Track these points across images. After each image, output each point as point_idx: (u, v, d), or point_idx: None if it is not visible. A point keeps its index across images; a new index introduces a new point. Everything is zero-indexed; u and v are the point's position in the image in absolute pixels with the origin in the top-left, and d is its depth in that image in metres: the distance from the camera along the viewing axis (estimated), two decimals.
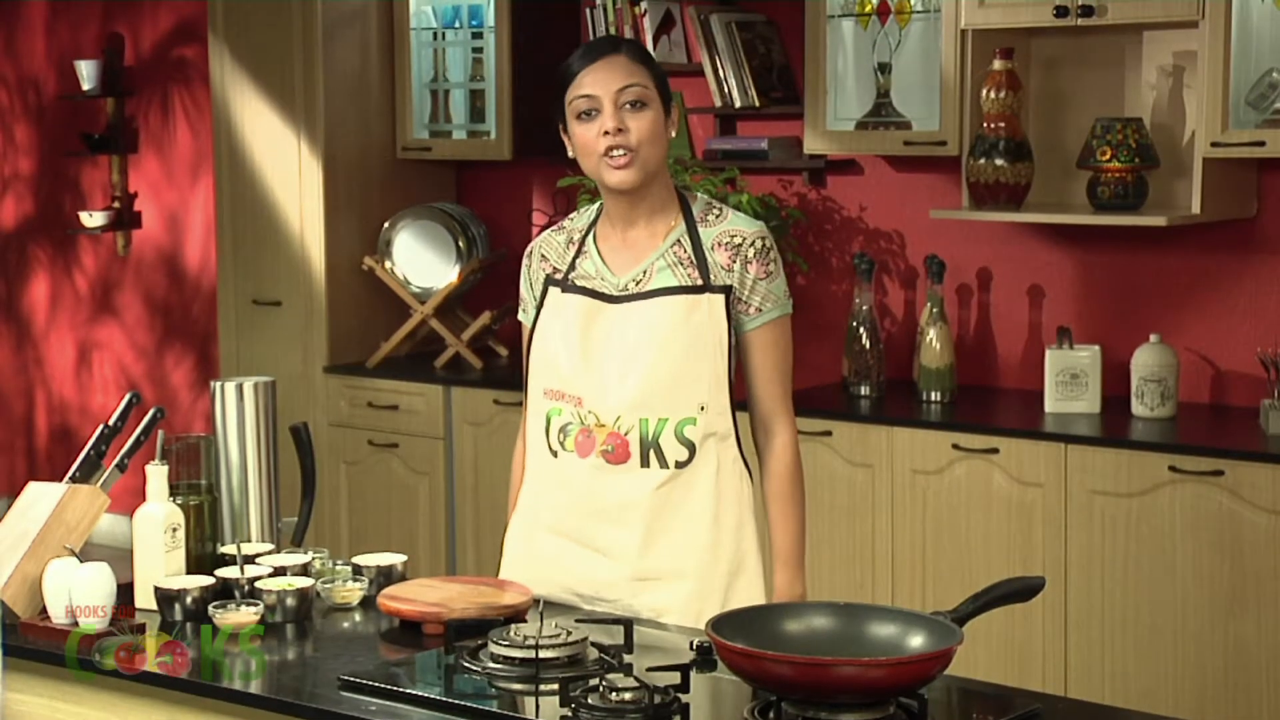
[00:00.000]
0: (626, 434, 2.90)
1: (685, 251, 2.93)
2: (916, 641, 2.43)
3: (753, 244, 2.92)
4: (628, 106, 2.88)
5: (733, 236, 2.93)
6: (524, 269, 3.08)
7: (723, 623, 2.45)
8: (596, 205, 3.04)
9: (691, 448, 2.90)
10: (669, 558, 2.92)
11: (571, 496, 2.96)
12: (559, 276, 3.00)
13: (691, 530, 2.92)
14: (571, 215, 3.09)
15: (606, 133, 2.88)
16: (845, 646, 2.44)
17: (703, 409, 2.90)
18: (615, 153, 2.88)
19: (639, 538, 2.91)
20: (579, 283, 2.97)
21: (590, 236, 3.01)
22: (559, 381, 2.95)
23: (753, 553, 2.98)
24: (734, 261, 2.91)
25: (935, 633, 2.42)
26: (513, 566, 3.07)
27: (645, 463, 2.91)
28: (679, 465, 2.91)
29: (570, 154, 2.99)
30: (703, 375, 2.90)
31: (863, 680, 2.30)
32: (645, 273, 2.93)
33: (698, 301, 2.90)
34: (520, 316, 3.09)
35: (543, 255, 3.05)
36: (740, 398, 2.96)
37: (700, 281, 2.91)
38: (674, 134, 2.95)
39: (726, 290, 2.90)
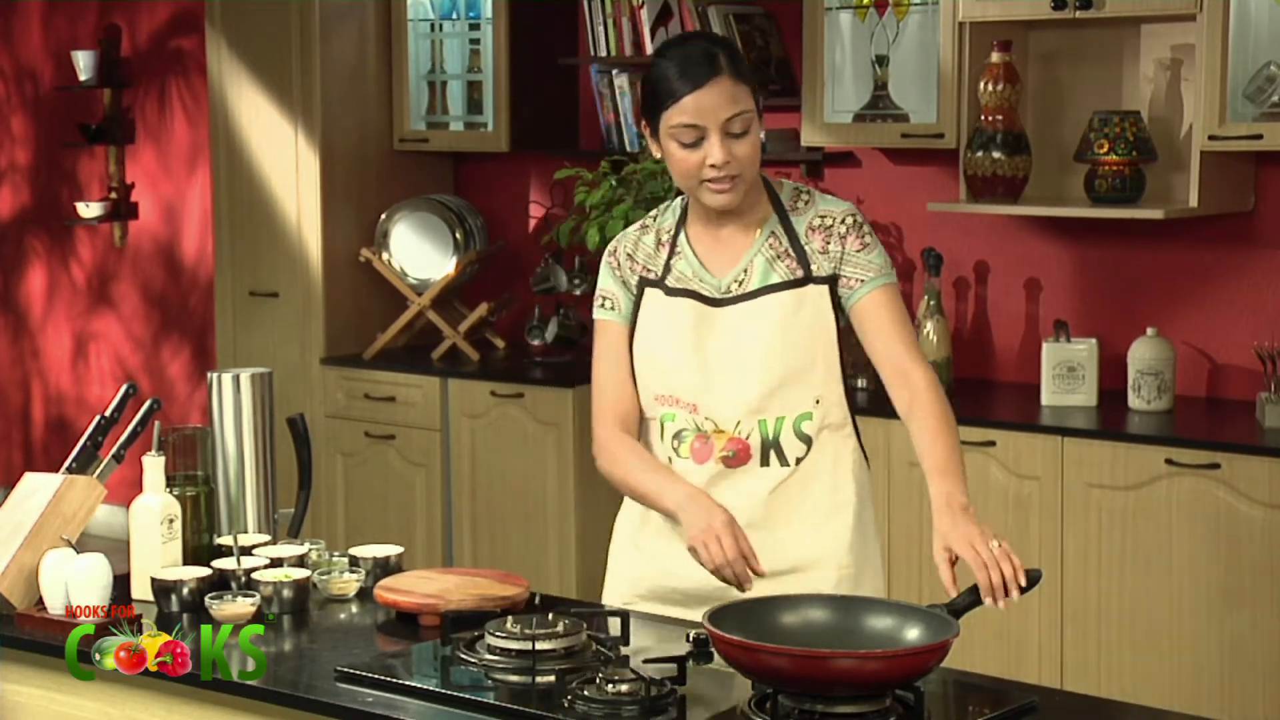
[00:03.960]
0: (747, 437, 2.84)
1: (781, 244, 2.86)
2: (913, 634, 2.43)
3: (843, 220, 2.86)
4: (732, 134, 2.78)
5: (823, 218, 2.86)
6: (609, 268, 2.96)
7: (720, 615, 2.45)
8: (679, 201, 2.96)
9: (809, 441, 2.86)
10: (787, 554, 2.84)
11: None
12: (654, 278, 2.91)
13: (811, 525, 2.86)
14: (653, 213, 2.99)
15: (713, 165, 2.77)
16: (842, 639, 2.44)
17: (818, 402, 2.86)
18: (717, 183, 2.79)
19: (757, 536, 2.81)
20: (679, 285, 2.89)
21: (682, 236, 2.92)
22: (670, 387, 2.88)
23: (874, 543, 2.94)
24: (828, 242, 2.85)
25: (932, 625, 2.43)
26: (619, 558, 3.02)
27: (765, 462, 2.85)
28: (798, 461, 2.85)
29: (656, 155, 2.87)
30: (816, 368, 2.85)
31: (859, 673, 2.30)
32: (745, 271, 2.86)
33: (803, 295, 2.84)
34: (602, 313, 2.96)
35: (630, 255, 2.94)
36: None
37: (801, 273, 2.85)
38: (761, 133, 2.84)
39: (830, 280, 2.84)
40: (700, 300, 2.87)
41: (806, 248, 2.85)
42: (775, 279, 2.85)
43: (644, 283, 2.93)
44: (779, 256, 2.86)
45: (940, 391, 2.84)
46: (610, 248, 2.99)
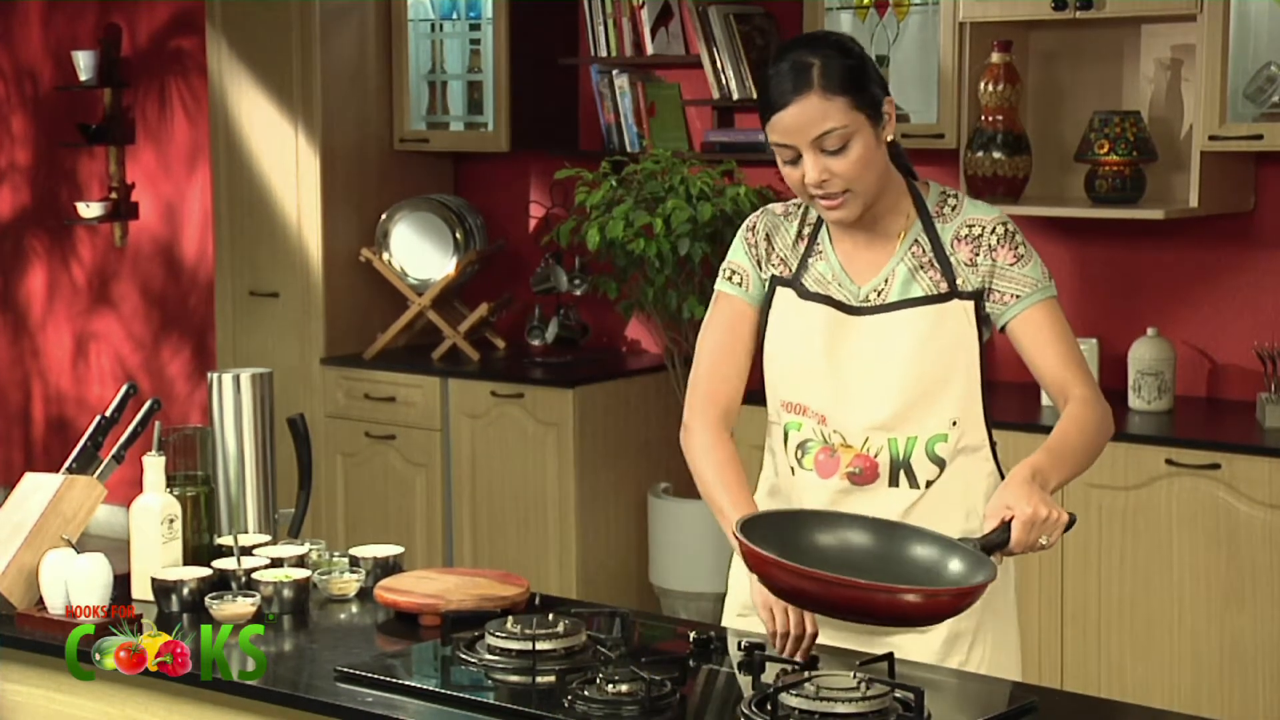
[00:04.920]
0: (876, 455, 2.72)
1: (925, 253, 2.72)
2: (955, 567, 2.42)
3: (994, 231, 2.71)
4: (827, 151, 2.62)
5: (971, 227, 2.72)
6: (745, 243, 2.81)
7: (751, 526, 2.42)
8: None
9: (942, 464, 2.72)
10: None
11: None
12: (788, 276, 2.78)
13: None
14: (798, 200, 2.81)
15: (809, 184, 2.65)
16: (880, 565, 2.43)
17: (954, 424, 2.73)
18: (824, 199, 2.66)
19: None
20: (814, 288, 2.75)
21: (824, 233, 2.78)
22: (799, 395, 2.76)
23: (1007, 572, 2.74)
24: (976, 254, 2.71)
25: (971, 562, 2.41)
26: (739, 577, 2.86)
27: (894, 482, 2.72)
28: (929, 484, 2.72)
29: None
30: (955, 389, 2.73)
31: (897, 606, 2.33)
32: (886, 281, 2.73)
33: (945, 311, 2.71)
34: (725, 286, 2.81)
35: (769, 237, 2.80)
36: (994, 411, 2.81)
37: (946, 288, 2.71)
38: (890, 135, 2.67)
39: (976, 295, 2.71)
40: (836, 307, 2.74)
41: (952, 259, 2.72)
42: (917, 291, 2.72)
43: (776, 280, 2.79)
44: (922, 267, 2.72)
45: (1095, 406, 2.67)
46: (749, 223, 2.83)
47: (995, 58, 4.84)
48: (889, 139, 2.68)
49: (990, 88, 4.84)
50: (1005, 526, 2.45)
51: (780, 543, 2.39)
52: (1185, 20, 4.63)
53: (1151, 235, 4.97)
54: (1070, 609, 4.59)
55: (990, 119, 4.85)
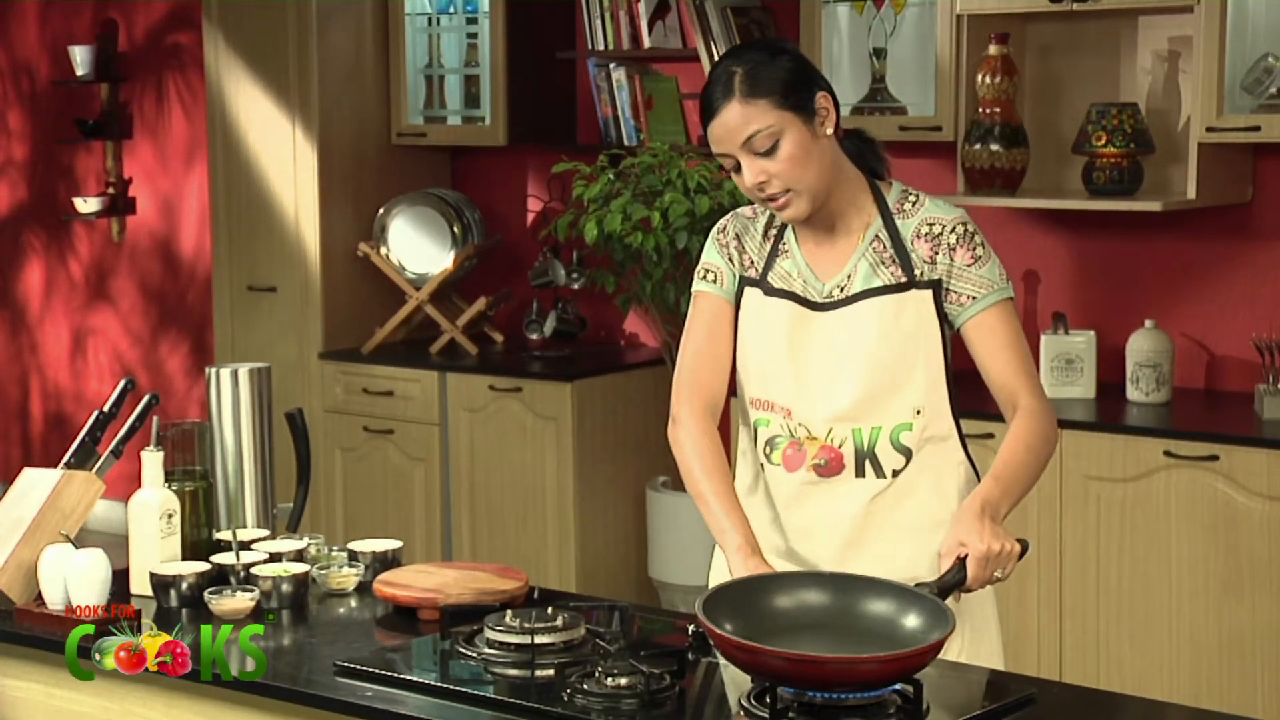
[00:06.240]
0: (840, 446, 2.74)
1: (885, 248, 2.75)
2: (911, 622, 2.42)
3: (953, 230, 2.74)
4: (758, 154, 2.68)
5: (931, 225, 2.75)
6: (717, 244, 2.86)
7: (714, 602, 2.43)
8: None
9: (908, 454, 2.74)
10: (881, 570, 2.65)
11: (777, 511, 2.80)
12: (755, 276, 2.82)
13: (908, 541, 2.73)
14: None
15: (749, 187, 2.70)
16: (839, 621, 2.43)
17: (919, 413, 2.73)
18: (769, 201, 2.71)
19: (850, 552, 2.74)
20: (779, 285, 2.79)
21: (789, 232, 2.81)
22: (766, 391, 2.79)
23: None
24: (936, 252, 2.73)
25: (928, 612, 2.41)
26: (722, 565, 2.82)
27: (860, 473, 2.74)
28: (895, 474, 2.74)
29: None
30: (917, 378, 2.73)
31: (854, 674, 2.30)
32: (849, 276, 2.76)
33: (904, 300, 2.73)
34: (702, 285, 2.85)
35: (739, 237, 2.84)
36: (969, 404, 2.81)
37: (904, 279, 2.74)
38: (830, 130, 2.70)
39: (934, 285, 2.73)
40: (800, 303, 2.77)
41: (912, 255, 2.74)
42: (877, 283, 2.74)
43: (745, 281, 2.83)
44: (883, 261, 2.75)
45: (1041, 418, 2.70)
46: (720, 225, 2.87)
47: (992, 50, 4.84)
48: (828, 133, 2.70)
49: (988, 80, 4.84)
50: (961, 565, 2.48)
51: (741, 614, 2.40)
52: (1182, 12, 4.63)
53: (1149, 227, 4.97)
54: (1069, 601, 4.59)
55: (988, 111, 4.85)
